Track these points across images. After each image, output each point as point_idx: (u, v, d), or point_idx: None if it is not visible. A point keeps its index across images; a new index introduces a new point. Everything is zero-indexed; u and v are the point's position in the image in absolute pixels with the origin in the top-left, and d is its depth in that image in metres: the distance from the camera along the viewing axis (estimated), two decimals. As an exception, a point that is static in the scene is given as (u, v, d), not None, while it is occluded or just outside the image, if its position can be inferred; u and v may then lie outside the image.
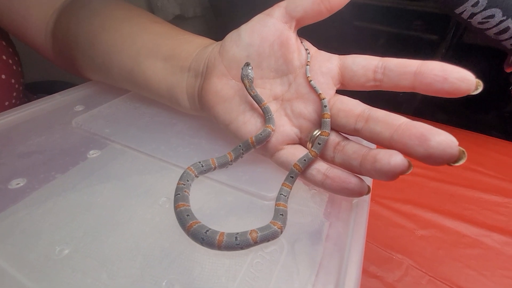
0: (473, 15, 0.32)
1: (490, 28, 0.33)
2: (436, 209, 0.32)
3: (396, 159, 0.16)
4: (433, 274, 0.25)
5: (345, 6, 0.21)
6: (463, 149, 0.15)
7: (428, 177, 0.36)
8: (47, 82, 0.60)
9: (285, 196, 0.20)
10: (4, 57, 0.41)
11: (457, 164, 0.15)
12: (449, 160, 0.15)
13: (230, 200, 0.22)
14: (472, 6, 0.32)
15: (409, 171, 0.16)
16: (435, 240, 0.29)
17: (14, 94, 0.43)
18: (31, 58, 0.47)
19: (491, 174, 0.37)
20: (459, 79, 0.16)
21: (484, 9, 0.31)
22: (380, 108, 0.19)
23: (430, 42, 0.57)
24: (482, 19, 0.32)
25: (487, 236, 0.29)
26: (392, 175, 0.17)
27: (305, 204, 0.22)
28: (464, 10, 0.32)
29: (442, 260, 0.27)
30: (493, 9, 0.31)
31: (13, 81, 0.43)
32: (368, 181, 0.21)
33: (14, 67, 0.43)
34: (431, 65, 0.18)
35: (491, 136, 0.45)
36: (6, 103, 0.41)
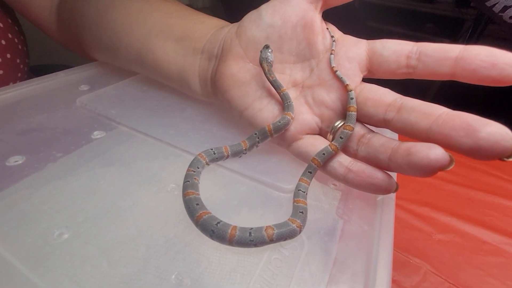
0: (506, 8, 0.30)
1: (523, 24, 0.31)
2: (454, 213, 0.30)
3: (436, 152, 0.15)
4: (453, 281, 0.24)
5: (359, 5, 0.20)
6: None
7: (445, 180, 0.35)
8: (51, 66, 0.59)
9: (304, 192, 0.18)
10: (9, 35, 0.40)
11: (511, 159, 0.13)
12: (502, 154, 0.14)
13: (243, 190, 0.20)
14: (506, -2, 0.30)
15: (451, 167, 0.15)
16: (454, 245, 0.27)
17: (19, 74, 0.42)
18: (34, 40, 0.46)
19: (511, 180, 0.36)
20: (510, 64, 0.15)
21: (520, 2, 0.29)
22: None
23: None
24: (515, 13, 0.30)
25: (510, 244, 0.27)
26: (430, 170, 0.15)
27: (318, 199, 0.21)
28: (497, 3, 0.30)
29: (461, 267, 0.25)
30: (528, 2, 0.29)
31: (18, 61, 0.41)
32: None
33: (20, 47, 0.42)
34: (475, 49, 0.16)
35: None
36: (11, 83, 0.40)
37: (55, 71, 0.34)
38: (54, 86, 0.30)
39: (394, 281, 0.23)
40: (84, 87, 0.31)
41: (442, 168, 0.15)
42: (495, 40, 0.51)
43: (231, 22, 0.23)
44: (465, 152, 0.14)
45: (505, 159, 0.13)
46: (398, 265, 0.25)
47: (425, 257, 0.26)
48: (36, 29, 0.39)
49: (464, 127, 0.14)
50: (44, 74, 0.53)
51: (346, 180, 0.18)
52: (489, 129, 0.14)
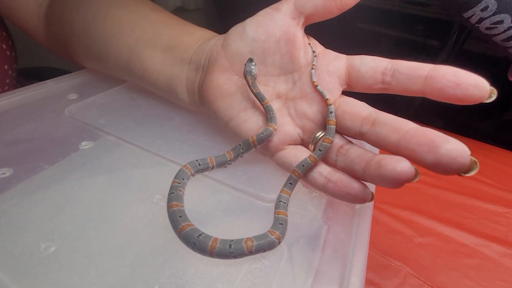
0: (481, 20, 0.32)
1: (497, 34, 0.32)
2: (435, 217, 0.32)
3: (402, 165, 0.16)
4: (431, 283, 0.25)
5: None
6: (475, 159, 0.14)
7: (427, 183, 0.36)
8: (40, 68, 0.58)
9: (285, 203, 0.19)
10: (-3, 41, 0.39)
11: (467, 175, 0.14)
12: (459, 170, 0.15)
13: (227, 200, 0.21)
14: (481, 10, 0.31)
15: (416, 179, 0.16)
16: (434, 248, 0.28)
17: (7, 80, 0.42)
18: (25, 43, 0.46)
19: (490, 183, 0.37)
20: (472, 85, 0.16)
21: (493, 14, 0.31)
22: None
23: (431, 47, 0.57)
24: (490, 24, 0.32)
25: (486, 246, 0.28)
26: (397, 182, 0.16)
27: (303, 206, 0.22)
28: (473, 15, 0.32)
29: (440, 269, 0.26)
30: (502, 14, 0.30)
31: (6, 67, 0.41)
32: (371, 187, 0.20)
33: (8, 53, 0.42)
34: (443, 69, 0.17)
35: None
36: (-2, 89, 0.39)
37: (46, 74, 0.34)
38: (42, 95, 0.30)
39: (374, 284, 0.24)
40: (72, 96, 0.31)
41: (408, 180, 0.16)
42: (480, 42, 0.53)
43: (223, 23, 0.24)
44: (428, 166, 0.15)
45: (463, 174, 0.14)
46: (379, 268, 0.26)
47: (406, 260, 0.27)
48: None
49: (428, 143, 0.15)
50: (35, 77, 0.52)
51: (325, 189, 0.19)
52: (449, 146, 0.15)
